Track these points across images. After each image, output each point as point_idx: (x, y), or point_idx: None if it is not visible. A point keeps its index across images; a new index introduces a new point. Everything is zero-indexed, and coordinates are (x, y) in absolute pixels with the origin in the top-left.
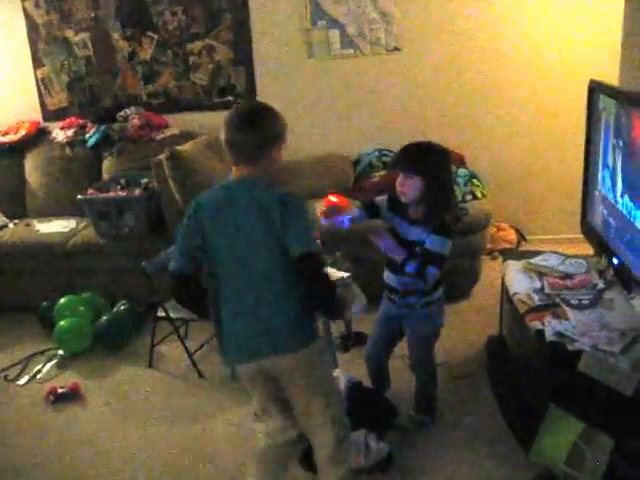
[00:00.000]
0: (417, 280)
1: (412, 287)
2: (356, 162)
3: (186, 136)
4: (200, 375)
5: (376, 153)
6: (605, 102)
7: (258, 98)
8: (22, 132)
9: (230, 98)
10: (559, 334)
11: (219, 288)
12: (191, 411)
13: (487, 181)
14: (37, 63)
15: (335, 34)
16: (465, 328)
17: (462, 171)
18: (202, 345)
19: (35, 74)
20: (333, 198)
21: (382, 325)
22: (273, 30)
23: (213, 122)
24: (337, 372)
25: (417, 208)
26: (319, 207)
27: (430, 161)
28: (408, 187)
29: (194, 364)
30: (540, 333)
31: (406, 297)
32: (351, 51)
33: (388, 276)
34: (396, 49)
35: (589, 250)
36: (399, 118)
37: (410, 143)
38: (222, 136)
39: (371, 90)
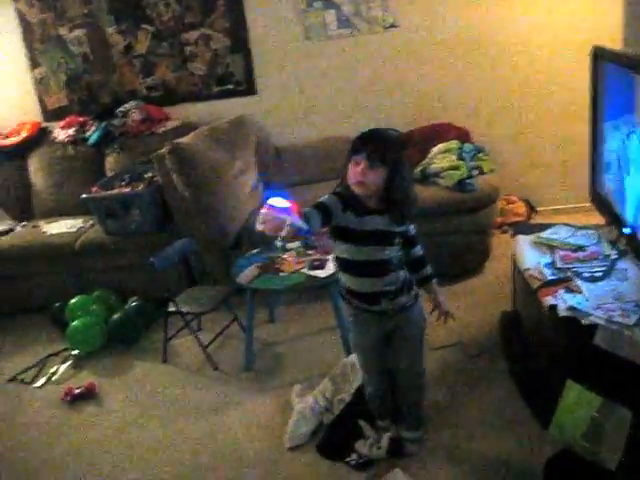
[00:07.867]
0: (397, 272)
1: (397, 283)
2: None
3: (187, 127)
4: (215, 368)
5: None
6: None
7: (257, 84)
8: (23, 134)
9: (229, 86)
10: (572, 308)
11: None
12: (208, 404)
13: (495, 154)
14: (34, 63)
15: (331, 14)
16: (478, 305)
17: (467, 146)
18: (215, 338)
19: (33, 74)
20: (277, 202)
21: (375, 352)
22: (268, 14)
23: (213, 111)
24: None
25: (373, 198)
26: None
27: (395, 151)
28: (372, 178)
29: (208, 357)
30: (553, 308)
31: (397, 299)
32: (348, 31)
33: (363, 284)
34: (393, 26)
35: (600, 219)
36: (399, 96)
37: (370, 131)
38: None
39: (370, 69)
